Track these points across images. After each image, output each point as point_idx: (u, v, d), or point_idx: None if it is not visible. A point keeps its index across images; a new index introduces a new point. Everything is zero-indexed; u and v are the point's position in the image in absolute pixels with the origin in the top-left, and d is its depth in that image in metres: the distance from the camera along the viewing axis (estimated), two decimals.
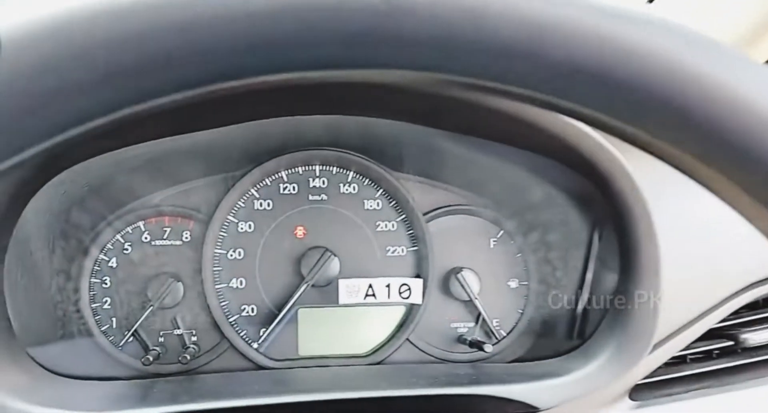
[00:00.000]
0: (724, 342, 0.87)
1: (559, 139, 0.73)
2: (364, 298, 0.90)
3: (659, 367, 0.86)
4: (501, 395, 0.77)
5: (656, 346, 0.81)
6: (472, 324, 0.95)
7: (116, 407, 0.73)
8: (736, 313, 0.86)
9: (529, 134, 0.73)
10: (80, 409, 0.71)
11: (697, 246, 0.80)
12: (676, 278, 0.78)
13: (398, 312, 0.95)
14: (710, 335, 0.87)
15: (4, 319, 0.74)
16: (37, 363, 0.78)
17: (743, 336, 0.87)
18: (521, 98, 0.34)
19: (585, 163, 0.76)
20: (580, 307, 0.91)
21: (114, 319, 0.90)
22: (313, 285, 0.91)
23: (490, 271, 0.95)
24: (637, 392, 0.85)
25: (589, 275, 0.90)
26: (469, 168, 0.96)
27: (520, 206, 0.96)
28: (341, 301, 0.91)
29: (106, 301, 0.90)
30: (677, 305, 0.79)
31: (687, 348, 0.85)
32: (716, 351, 0.90)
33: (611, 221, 0.82)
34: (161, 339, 0.91)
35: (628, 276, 0.77)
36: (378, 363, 0.93)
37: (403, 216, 0.95)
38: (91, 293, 0.90)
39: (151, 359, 0.84)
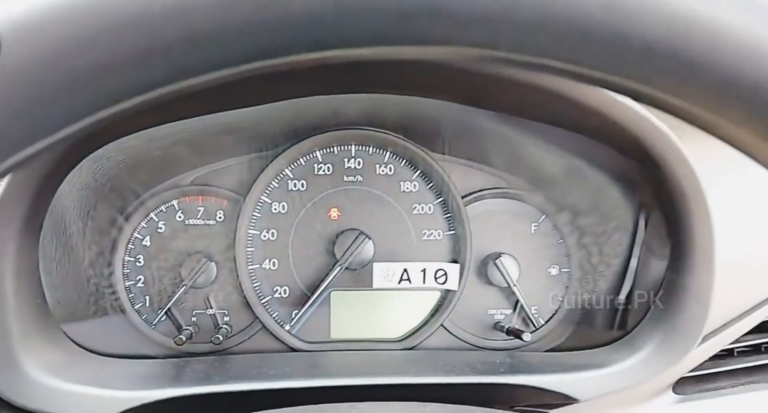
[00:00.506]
0: None
1: (610, 119, 0.69)
2: (399, 283, 0.88)
3: (705, 360, 0.82)
4: (539, 385, 0.75)
5: (704, 339, 0.77)
6: (509, 311, 0.92)
7: (149, 386, 0.72)
8: None
9: (577, 114, 0.70)
10: (113, 387, 0.71)
11: (753, 234, 0.76)
12: (729, 268, 0.74)
13: (433, 297, 0.92)
14: (759, 328, 0.83)
15: (40, 296, 0.74)
16: (72, 340, 0.78)
17: None
18: (575, 77, 0.31)
19: (637, 145, 0.72)
20: (622, 296, 0.88)
21: (147, 297, 0.90)
22: (346, 268, 0.89)
23: (530, 257, 0.92)
24: (681, 385, 0.82)
25: (633, 263, 0.87)
26: (512, 150, 0.92)
27: (564, 190, 0.92)
28: (375, 285, 0.89)
29: (140, 279, 0.90)
30: (729, 296, 0.75)
31: (736, 341, 0.81)
32: (766, 345, 0.86)
33: (660, 206, 0.78)
34: (194, 319, 0.91)
35: (677, 264, 0.74)
36: (411, 349, 0.91)
37: (441, 199, 0.92)
38: (125, 271, 0.90)
39: (183, 339, 0.84)
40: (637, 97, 0.32)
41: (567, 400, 0.76)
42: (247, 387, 0.73)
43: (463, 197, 0.91)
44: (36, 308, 0.72)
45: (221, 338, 0.85)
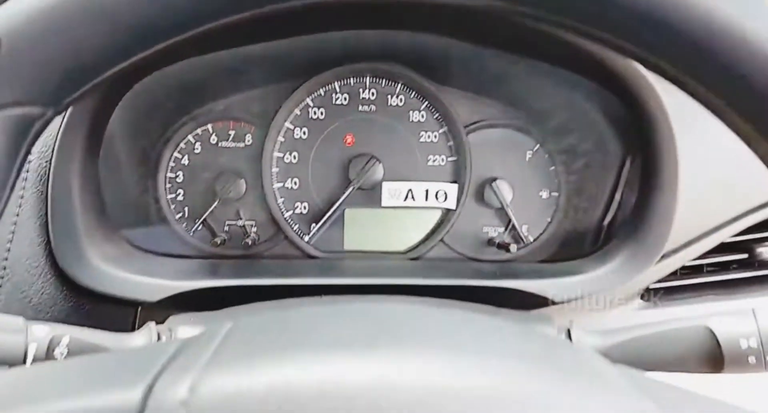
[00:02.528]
0: (740, 255, 0.93)
1: (597, 60, 0.78)
2: (404, 200, 1.00)
3: (675, 276, 0.93)
4: (520, 288, 0.87)
5: (669, 254, 0.88)
6: (502, 229, 1.04)
7: (191, 278, 0.87)
8: (750, 232, 0.91)
9: (567, 52, 0.79)
10: (160, 277, 0.85)
11: (716, 167, 0.85)
12: (692, 195, 0.84)
13: (435, 215, 1.04)
14: (727, 250, 0.93)
15: (100, 202, 0.87)
16: (125, 240, 0.92)
17: (759, 250, 0.92)
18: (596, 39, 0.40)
19: (618, 83, 0.82)
20: (605, 222, 0.98)
21: (186, 209, 1.03)
22: (359, 188, 1.01)
23: (524, 182, 1.03)
24: (650, 295, 0.93)
25: (617, 196, 0.97)
26: (512, 84, 1.01)
27: (558, 123, 1.02)
28: (384, 203, 1.01)
29: (180, 193, 1.03)
30: (691, 219, 0.86)
31: (702, 257, 0.91)
32: (734, 265, 0.96)
33: (640, 143, 0.88)
34: (226, 229, 1.04)
35: (646, 186, 0.84)
36: (414, 259, 1.04)
37: (446, 128, 1.02)
38: (167, 186, 1.03)
39: (218, 241, 0.98)
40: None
41: (545, 302, 0.88)
42: (271, 282, 0.87)
43: (465, 127, 1.02)
44: (97, 212, 0.86)
45: (250, 242, 0.99)
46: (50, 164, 0.80)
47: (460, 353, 0.39)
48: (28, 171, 0.80)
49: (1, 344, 0.60)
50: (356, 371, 0.36)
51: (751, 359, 0.62)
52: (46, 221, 0.80)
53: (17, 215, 0.80)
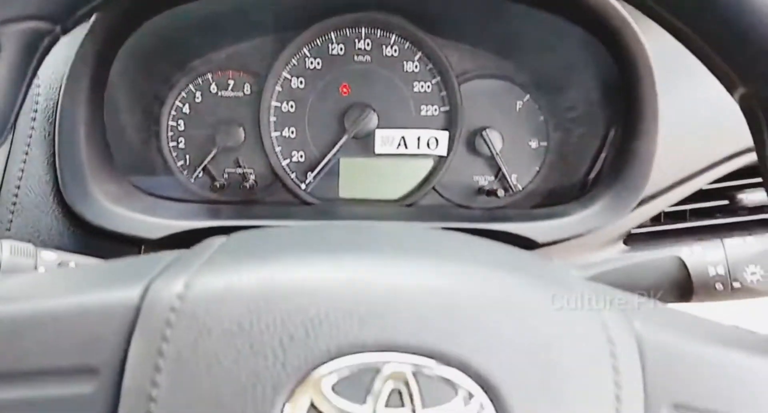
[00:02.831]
0: (721, 201, 0.97)
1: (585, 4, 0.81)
2: (397, 148, 1.03)
3: (658, 222, 0.97)
4: (507, 230, 0.91)
5: (649, 199, 0.91)
6: (492, 178, 1.07)
7: (192, 218, 0.91)
8: (731, 179, 0.94)
9: None
10: (163, 217, 0.90)
11: (695, 114, 0.88)
12: (672, 141, 0.87)
13: (427, 164, 1.07)
14: (708, 197, 0.97)
15: (105, 145, 0.91)
16: (130, 182, 0.96)
17: (739, 196, 0.95)
18: None
19: (603, 28, 0.84)
20: (590, 176, 1.02)
21: (188, 156, 1.07)
22: (354, 137, 1.05)
23: (514, 131, 1.06)
24: (632, 240, 0.97)
25: (602, 155, 1.00)
26: (505, 35, 1.04)
27: (548, 74, 1.05)
28: (377, 151, 1.05)
29: (181, 141, 1.07)
30: (671, 165, 0.89)
31: (683, 203, 0.95)
32: (718, 214, 0.99)
33: (622, 89, 0.91)
34: (225, 176, 1.08)
35: (628, 131, 0.87)
36: (407, 206, 1.08)
37: (439, 78, 1.05)
38: (169, 134, 1.07)
39: (218, 186, 1.02)
40: None
41: (531, 245, 0.93)
42: (270, 223, 0.91)
43: (458, 77, 1.04)
44: (102, 154, 0.90)
45: (248, 186, 1.03)
46: (57, 105, 0.83)
47: (431, 258, 0.43)
48: (36, 111, 0.84)
49: (12, 268, 0.65)
50: (336, 269, 0.40)
51: (719, 286, 0.66)
52: (54, 160, 0.84)
53: (26, 153, 0.84)
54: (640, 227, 0.96)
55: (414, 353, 0.37)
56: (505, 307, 0.38)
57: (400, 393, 0.36)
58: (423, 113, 1.06)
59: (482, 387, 0.37)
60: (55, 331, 0.38)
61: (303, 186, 1.08)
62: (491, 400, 0.36)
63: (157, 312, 0.37)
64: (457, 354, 0.37)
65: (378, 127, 1.04)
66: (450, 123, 1.06)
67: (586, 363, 0.38)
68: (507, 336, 0.38)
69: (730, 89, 0.44)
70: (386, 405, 0.36)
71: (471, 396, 0.36)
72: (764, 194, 0.53)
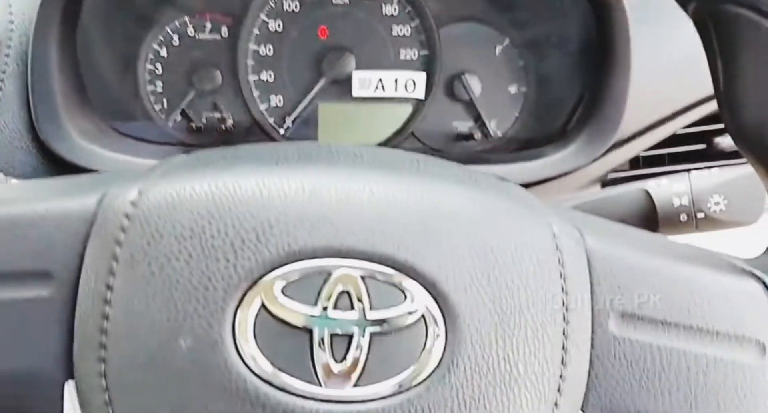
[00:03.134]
0: (698, 145, 0.98)
1: None
2: (374, 91, 1.03)
3: (636, 167, 0.98)
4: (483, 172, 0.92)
5: (624, 142, 0.92)
6: (471, 124, 1.07)
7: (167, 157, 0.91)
8: (707, 123, 0.95)
9: None
10: (141, 157, 0.90)
11: (669, 56, 0.88)
12: (646, 82, 0.87)
13: (406, 110, 1.07)
14: (685, 141, 0.98)
15: (80, 83, 0.90)
16: (105, 123, 0.96)
17: (716, 140, 0.96)
18: None
19: None
20: (569, 127, 1.02)
21: (165, 100, 1.06)
22: (332, 81, 1.04)
23: (493, 76, 1.05)
24: (610, 184, 0.98)
25: (580, 107, 1.00)
26: None
27: (529, 20, 1.04)
28: (354, 94, 1.04)
29: (158, 85, 1.06)
30: (645, 107, 0.89)
31: (658, 147, 0.95)
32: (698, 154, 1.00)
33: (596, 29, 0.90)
34: (203, 121, 1.07)
35: (601, 73, 0.87)
36: None
37: (418, 21, 1.04)
38: (146, 77, 1.06)
39: (194, 128, 1.02)
40: None
41: None
42: None
43: (437, 21, 1.03)
44: (77, 92, 0.90)
45: (226, 130, 1.03)
46: (29, 39, 0.82)
47: (383, 169, 0.44)
48: (10, 46, 0.83)
49: None
50: (289, 177, 0.41)
51: (683, 216, 0.68)
52: (28, 97, 0.84)
53: (0, 89, 0.83)
54: (617, 172, 0.97)
55: (363, 258, 0.38)
56: (454, 214, 0.39)
57: (349, 295, 0.37)
58: (402, 57, 1.06)
59: (430, 292, 0.38)
60: (13, 236, 0.39)
61: (281, 131, 1.08)
62: (438, 304, 0.38)
63: (111, 217, 0.38)
64: (406, 259, 0.38)
65: (356, 69, 1.04)
66: (428, 67, 1.05)
67: (535, 270, 0.39)
68: (455, 242, 0.39)
69: (684, 4, 0.44)
70: (335, 307, 0.37)
71: (419, 300, 0.37)
72: None
